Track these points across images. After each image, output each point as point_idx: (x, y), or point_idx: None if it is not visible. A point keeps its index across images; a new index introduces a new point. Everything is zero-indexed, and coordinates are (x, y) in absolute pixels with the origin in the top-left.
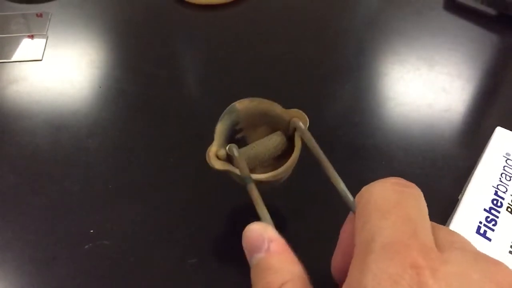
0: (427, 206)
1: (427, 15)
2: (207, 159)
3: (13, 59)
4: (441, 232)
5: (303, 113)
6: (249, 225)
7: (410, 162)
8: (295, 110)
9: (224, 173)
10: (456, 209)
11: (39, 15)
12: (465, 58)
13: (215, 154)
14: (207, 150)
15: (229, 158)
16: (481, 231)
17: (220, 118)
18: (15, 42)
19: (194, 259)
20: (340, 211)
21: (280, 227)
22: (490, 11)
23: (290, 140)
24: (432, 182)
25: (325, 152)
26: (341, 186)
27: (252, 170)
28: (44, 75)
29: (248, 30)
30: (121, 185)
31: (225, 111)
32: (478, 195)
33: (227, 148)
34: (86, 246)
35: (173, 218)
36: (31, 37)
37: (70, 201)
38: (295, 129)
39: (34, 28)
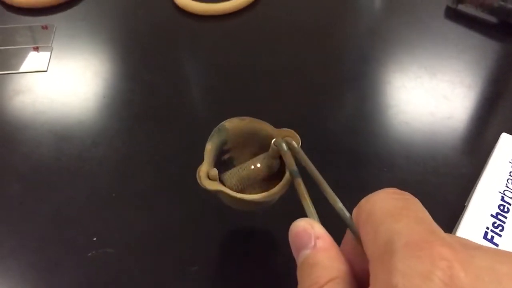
0: (432, 213)
1: (429, 23)
2: (198, 179)
3: (18, 70)
4: (452, 236)
5: (295, 133)
6: (295, 221)
7: (413, 169)
8: (286, 129)
9: (214, 194)
10: (463, 215)
11: (44, 27)
12: (467, 65)
13: (206, 174)
14: (198, 170)
15: (220, 179)
16: (489, 236)
17: (209, 137)
18: (20, 54)
19: (195, 267)
20: (337, 229)
21: (277, 249)
22: (491, 19)
23: (282, 159)
24: (435, 189)
25: (327, 160)
26: (339, 205)
27: (243, 191)
28: (49, 86)
29: (251, 40)
30: (124, 193)
31: (214, 129)
32: (484, 201)
33: (272, 143)
34: (90, 254)
35: (175, 226)
36: (37, 49)
37: (74, 209)
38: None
39: (40, 40)
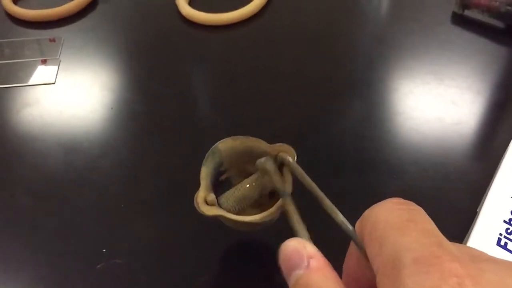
0: (443, 220)
1: (435, 29)
2: (195, 206)
3: (27, 83)
4: (462, 248)
5: (290, 147)
6: (286, 241)
7: (422, 176)
8: (281, 144)
9: (215, 219)
10: (475, 222)
11: (52, 40)
12: (474, 71)
13: (203, 199)
14: (195, 196)
15: (218, 202)
16: (502, 243)
17: (203, 161)
18: (28, 67)
19: (206, 277)
20: (338, 243)
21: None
22: (498, 24)
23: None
24: (446, 196)
25: (334, 168)
26: (340, 217)
27: (241, 212)
28: (57, 98)
29: (257, 49)
30: (133, 204)
31: (207, 153)
32: (497, 207)
33: (257, 163)
34: (99, 266)
35: (184, 236)
36: (44, 61)
37: (83, 220)
38: (282, 164)
39: (47, 52)
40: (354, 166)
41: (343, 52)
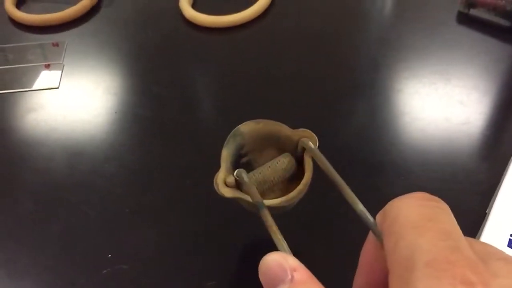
0: None
1: (441, 29)
2: (215, 187)
3: (30, 88)
4: (476, 245)
5: (312, 133)
6: (265, 256)
7: (429, 177)
8: (303, 129)
9: (234, 200)
10: (485, 223)
11: (55, 45)
12: (481, 70)
13: (223, 181)
14: (215, 178)
15: (238, 184)
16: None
17: (225, 143)
18: (32, 72)
19: (213, 282)
20: (357, 233)
21: (296, 253)
22: (504, 22)
23: (299, 162)
24: (454, 197)
25: (341, 170)
26: (360, 207)
27: (262, 195)
28: (61, 103)
29: (260, 51)
30: (138, 208)
31: (229, 135)
32: (507, 208)
33: (235, 173)
34: (104, 271)
35: (191, 240)
36: (48, 66)
37: (88, 226)
38: (304, 150)
39: (51, 57)
40: (360, 168)
41: (346, 54)
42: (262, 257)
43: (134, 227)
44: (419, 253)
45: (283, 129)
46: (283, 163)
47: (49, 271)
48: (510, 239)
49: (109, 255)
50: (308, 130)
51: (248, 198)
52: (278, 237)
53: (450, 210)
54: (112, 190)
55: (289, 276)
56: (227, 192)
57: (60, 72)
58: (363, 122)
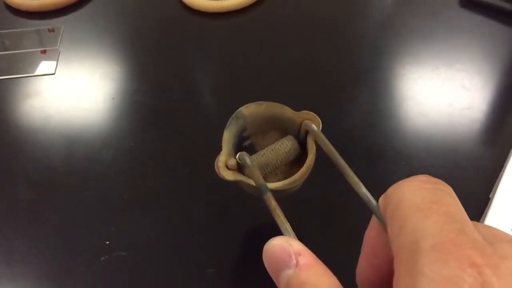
0: None
1: (443, 13)
2: (216, 170)
3: (26, 74)
4: (482, 228)
5: (315, 115)
6: (269, 240)
7: (432, 162)
8: (306, 112)
9: (235, 184)
10: (488, 208)
11: (51, 30)
12: (484, 54)
13: (224, 164)
14: (216, 160)
15: (239, 167)
16: None
17: (226, 125)
18: (28, 58)
19: (214, 268)
20: (361, 216)
21: (299, 237)
22: (507, 6)
23: (302, 145)
24: (457, 183)
25: (343, 156)
26: (363, 190)
27: (264, 179)
28: (58, 89)
29: (261, 36)
30: (136, 195)
31: (231, 117)
32: (511, 192)
33: (237, 156)
34: (103, 258)
35: (191, 227)
36: (44, 52)
37: (85, 213)
38: (307, 133)
39: (47, 43)
40: (362, 154)
41: (349, 39)
42: (263, 243)
43: (132, 214)
44: (424, 237)
45: (286, 111)
46: (286, 146)
47: (47, 259)
48: None
49: (107, 242)
50: (311, 113)
51: (250, 182)
52: (282, 221)
53: (454, 193)
54: (110, 177)
55: (294, 261)
56: (229, 175)
57: (56, 58)
58: (365, 108)
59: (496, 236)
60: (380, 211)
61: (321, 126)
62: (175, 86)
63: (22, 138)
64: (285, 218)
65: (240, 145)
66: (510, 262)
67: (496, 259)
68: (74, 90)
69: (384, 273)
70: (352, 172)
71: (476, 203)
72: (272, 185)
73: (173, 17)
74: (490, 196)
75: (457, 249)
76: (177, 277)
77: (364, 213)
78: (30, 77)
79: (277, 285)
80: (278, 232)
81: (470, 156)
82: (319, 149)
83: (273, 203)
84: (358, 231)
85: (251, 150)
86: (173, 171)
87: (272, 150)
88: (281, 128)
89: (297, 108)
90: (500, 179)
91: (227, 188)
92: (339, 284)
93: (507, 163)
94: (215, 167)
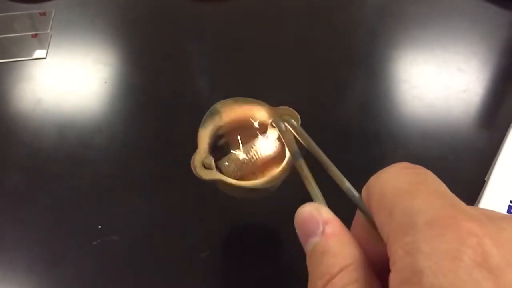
0: (451, 190)
1: None
2: (192, 169)
3: (18, 58)
4: (475, 208)
5: (293, 110)
6: (300, 207)
7: (428, 146)
8: (284, 107)
9: (212, 184)
10: (483, 191)
11: (42, 14)
12: (481, 37)
13: (201, 163)
14: (192, 159)
15: (217, 166)
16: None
17: (201, 122)
18: (19, 42)
19: (207, 252)
20: (348, 209)
21: (290, 234)
22: None
23: (282, 141)
24: (453, 165)
25: (338, 141)
26: (346, 184)
27: (243, 178)
28: (49, 73)
29: (256, 20)
30: (129, 180)
31: (206, 114)
32: (506, 174)
33: (270, 122)
34: (95, 243)
35: (183, 211)
36: (35, 36)
37: (77, 197)
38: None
39: (38, 27)
40: (356, 138)
41: (343, 22)
42: (255, 227)
43: (125, 199)
44: (417, 214)
45: (263, 107)
46: (263, 143)
47: (39, 244)
48: (509, 205)
49: (99, 227)
50: (289, 108)
51: (229, 180)
52: (313, 187)
53: (434, 175)
54: (103, 161)
55: (321, 229)
56: (206, 175)
57: (47, 42)
58: (360, 92)
59: (489, 215)
60: (365, 204)
61: (300, 121)
62: (168, 70)
63: (13, 123)
64: (317, 186)
65: (216, 143)
66: (508, 233)
67: (494, 229)
68: (66, 74)
69: (373, 267)
70: (334, 166)
71: (471, 186)
72: (251, 183)
73: (167, 0)
74: (485, 178)
75: (453, 222)
76: (170, 261)
77: (350, 205)
78: (21, 61)
79: (305, 250)
80: (271, 217)
81: (466, 139)
82: (299, 145)
83: (305, 170)
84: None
85: (227, 148)
86: (166, 155)
87: (251, 147)
88: (259, 124)
89: (292, 92)
90: (495, 162)
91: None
92: (363, 255)
93: (502, 146)
94: (191, 166)
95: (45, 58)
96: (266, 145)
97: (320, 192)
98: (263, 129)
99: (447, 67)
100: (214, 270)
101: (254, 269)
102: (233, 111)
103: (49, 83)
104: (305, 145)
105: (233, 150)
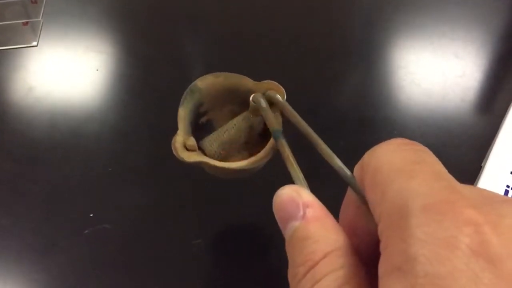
0: None
1: None
2: (173, 151)
3: (8, 46)
4: (472, 189)
5: (278, 85)
6: (280, 189)
7: (424, 132)
8: (268, 81)
9: (197, 166)
10: (480, 176)
11: (34, 2)
12: (478, 23)
13: (182, 144)
14: (172, 141)
15: (199, 147)
16: (510, 195)
17: (181, 101)
18: (10, 29)
19: (199, 240)
20: (338, 190)
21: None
22: None
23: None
24: (450, 151)
25: (334, 127)
26: (337, 162)
27: (228, 157)
28: (40, 61)
29: (251, 8)
30: (121, 168)
31: (185, 92)
32: (503, 159)
33: (251, 98)
34: (86, 231)
35: (175, 200)
36: (26, 24)
37: (69, 186)
38: (271, 104)
39: (29, 14)
40: (353, 124)
41: (339, 8)
42: (247, 215)
43: (117, 187)
44: (413, 198)
45: (246, 82)
46: (248, 120)
47: (30, 232)
48: (506, 190)
49: (91, 215)
50: (274, 82)
51: (214, 162)
52: (295, 169)
53: (432, 153)
54: (94, 150)
55: (301, 212)
56: (188, 157)
57: (39, 29)
58: (357, 78)
59: (489, 198)
60: (357, 182)
61: (285, 96)
62: (162, 59)
63: (4, 111)
64: (298, 167)
65: (197, 122)
66: (509, 220)
67: (495, 216)
68: (57, 62)
69: (363, 250)
70: (324, 143)
71: (468, 171)
72: (236, 164)
73: None
74: (482, 164)
75: (451, 207)
76: (161, 249)
77: (340, 184)
78: (12, 49)
79: (284, 236)
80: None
81: (462, 124)
82: (286, 120)
83: (286, 151)
84: (333, 205)
85: (209, 127)
86: (158, 143)
87: (233, 126)
88: (242, 101)
89: (289, 80)
90: (492, 148)
91: None
92: (346, 240)
93: (499, 132)
94: (172, 148)
95: (36, 46)
96: (249, 122)
97: (301, 174)
98: (247, 104)
99: (444, 53)
100: (206, 258)
101: (246, 257)
102: (214, 86)
103: (41, 71)
104: (292, 121)
105: (217, 127)
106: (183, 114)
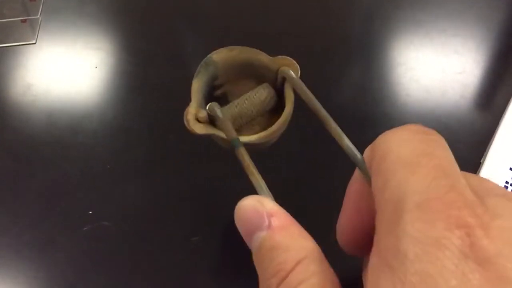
0: None
1: None
2: (185, 123)
3: (6, 43)
4: (473, 180)
5: (293, 60)
6: (241, 200)
7: None
8: (283, 57)
9: (208, 138)
10: (479, 172)
11: None
12: (478, 18)
13: (194, 116)
14: (185, 113)
15: (211, 120)
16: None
17: (195, 74)
18: (8, 27)
19: (197, 237)
20: (346, 172)
21: (278, 198)
22: None
23: (279, 93)
24: (449, 148)
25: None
26: (346, 142)
27: (238, 131)
28: (39, 59)
29: (250, 4)
30: (120, 165)
31: (200, 64)
32: (502, 156)
33: (207, 107)
34: (85, 228)
35: (174, 196)
36: (25, 21)
37: (68, 183)
38: (284, 80)
39: (28, 11)
40: (351, 121)
41: (340, 4)
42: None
43: (116, 184)
44: (410, 194)
45: (261, 57)
46: (261, 94)
47: (28, 230)
48: (505, 186)
49: (90, 212)
50: (289, 58)
51: (222, 135)
52: (256, 178)
53: (446, 144)
54: (93, 146)
55: (266, 222)
56: (199, 129)
57: (37, 27)
58: (356, 74)
59: (488, 189)
60: (365, 165)
61: (299, 73)
62: (160, 54)
63: (2, 108)
64: (260, 176)
65: (211, 95)
66: (502, 221)
67: (487, 218)
68: (56, 59)
69: (365, 229)
70: (334, 122)
71: (467, 167)
72: (245, 138)
73: None
74: (481, 160)
75: (445, 207)
76: (160, 246)
77: (347, 166)
78: (10, 47)
79: (250, 248)
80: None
81: (462, 120)
82: (298, 97)
83: (246, 159)
84: (339, 185)
85: (224, 100)
86: (157, 141)
87: (246, 99)
88: (256, 75)
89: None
90: (491, 144)
91: (212, 157)
92: (316, 246)
93: (498, 128)
94: (184, 120)
95: (35, 43)
96: (264, 95)
97: (264, 183)
98: (261, 78)
99: (443, 49)
100: (205, 255)
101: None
102: (229, 60)
103: (39, 68)
104: (303, 98)
105: (229, 101)
106: (196, 87)
